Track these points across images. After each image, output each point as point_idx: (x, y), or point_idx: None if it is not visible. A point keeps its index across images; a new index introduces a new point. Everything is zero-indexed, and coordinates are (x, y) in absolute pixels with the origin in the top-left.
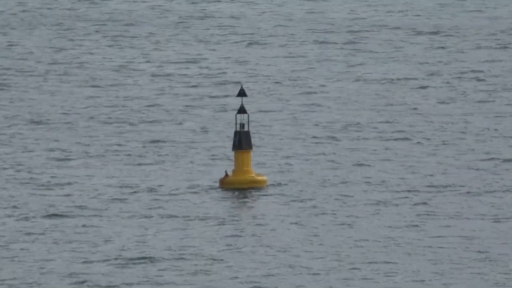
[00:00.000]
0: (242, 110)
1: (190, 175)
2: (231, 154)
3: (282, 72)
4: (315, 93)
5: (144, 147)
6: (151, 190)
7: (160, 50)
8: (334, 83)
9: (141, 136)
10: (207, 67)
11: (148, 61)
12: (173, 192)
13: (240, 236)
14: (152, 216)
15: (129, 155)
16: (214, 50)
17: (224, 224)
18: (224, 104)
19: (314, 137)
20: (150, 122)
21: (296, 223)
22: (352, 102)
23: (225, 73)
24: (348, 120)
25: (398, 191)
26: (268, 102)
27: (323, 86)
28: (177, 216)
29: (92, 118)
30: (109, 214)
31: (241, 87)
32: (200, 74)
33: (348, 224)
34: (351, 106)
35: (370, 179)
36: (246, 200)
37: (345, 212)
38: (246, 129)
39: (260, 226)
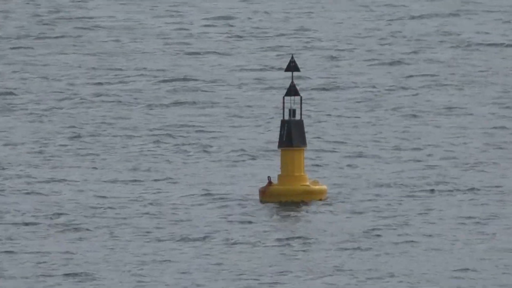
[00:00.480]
0: (292, 91)
1: (217, 182)
2: (277, 152)
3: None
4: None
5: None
6: (157, 203)
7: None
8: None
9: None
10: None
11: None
12: (190, 205)
13: (291, 271)
14: (160, 239)
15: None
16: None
17: (266, 255)
18: (268, 81)
19: (393, 127)
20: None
21: (368, 249)
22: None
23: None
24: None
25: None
26: (330, 78)
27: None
28: (197, 239)
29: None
30: (103, 236)
31: (292, 58)
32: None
33: (438, 250)
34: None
35: (467, 187)
36: (298, 218)
37: (432, 231)
38: (298, 117)
39: (316, 256)
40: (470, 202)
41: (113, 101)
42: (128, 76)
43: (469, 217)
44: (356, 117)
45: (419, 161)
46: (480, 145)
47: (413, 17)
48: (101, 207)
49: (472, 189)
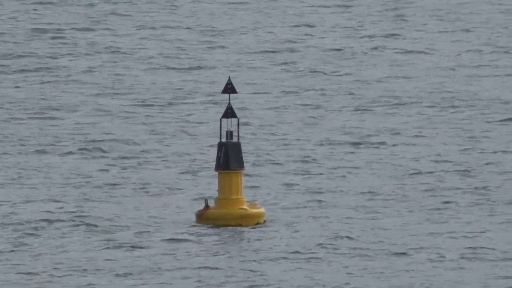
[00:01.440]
0: (229, 113)
1: (152, 205)
2: (213, 175)
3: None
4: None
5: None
6: (89, 225)
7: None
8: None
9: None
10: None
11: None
12: (123, 229)
13: None
14: (93, 270)
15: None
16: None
17: (200, 282)
18: (205, 103)
19: (332, 145)
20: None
21: (308, 277)
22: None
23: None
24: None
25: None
26: (267, 98)
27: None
28: (131, 269)
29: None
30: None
31: (229, 79)
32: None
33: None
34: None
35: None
36: (234, 242)
37: (380, 259)
38: (235, 139)
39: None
40: None
41: None
42: None
43: None
44: (289, 138)
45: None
46: None
47: None
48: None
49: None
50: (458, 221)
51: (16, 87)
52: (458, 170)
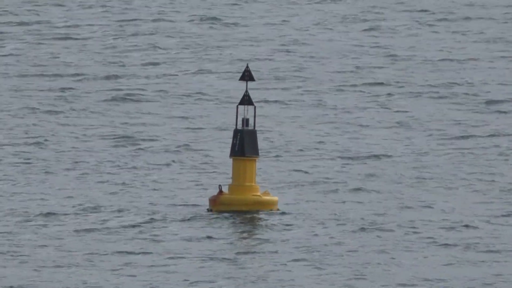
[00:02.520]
0: (246, 101)
1: (166, 191)
2: (228, 162)
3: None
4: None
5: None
6: (105, 210)
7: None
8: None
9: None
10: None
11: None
12: (139, 216)
13: (239, 282)
14: (107, 253)
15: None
16: None
17: (213, 267)
18: (221, 90)
19: (349, 135)
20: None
21: (318, 266)
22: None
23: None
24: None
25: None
26: (284, 88)
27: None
28: (147, 253)
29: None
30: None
31: (247, 67)
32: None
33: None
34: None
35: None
36: (247, 229)
37: (389, 247)
38: (251, 127)
39: (270, 270)
40: None
41: None
42: None
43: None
44: (306, 128)
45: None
46: None
47: None
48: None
49: None
50: None
51: None
52: None
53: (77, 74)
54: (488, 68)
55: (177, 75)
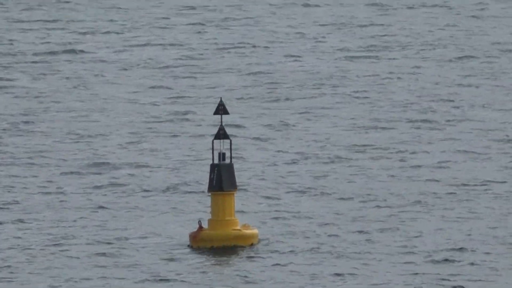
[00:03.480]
0: (222, 135)
1: (145, 227)
2: (206, 197)
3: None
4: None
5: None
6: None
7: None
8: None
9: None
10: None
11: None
12: (119, 250)
13: None
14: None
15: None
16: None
17: None
18: (196, 123)
19: (323, 162)
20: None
21: None
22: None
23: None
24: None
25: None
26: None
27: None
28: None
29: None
30: None
31: (221, 101)
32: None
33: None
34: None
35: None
36: (228, 264)
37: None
38: (228, 161)
39: None
40: None
41: None
42: None
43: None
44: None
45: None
46: None
47: None
48: None
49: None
50: None
51: None
52: None
53: None
54: None
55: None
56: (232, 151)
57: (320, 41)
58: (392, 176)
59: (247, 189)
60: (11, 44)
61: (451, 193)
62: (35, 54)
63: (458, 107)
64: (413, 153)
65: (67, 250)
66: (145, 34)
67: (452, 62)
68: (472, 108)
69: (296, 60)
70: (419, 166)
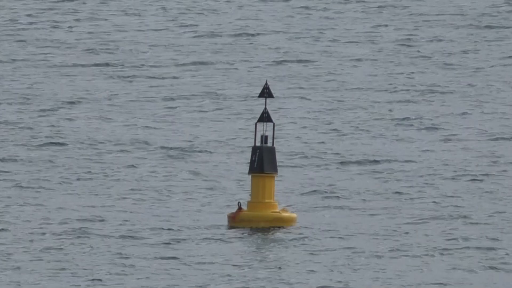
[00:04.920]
0: (265, 117)
1: (184, 208)
2: (247, 179)
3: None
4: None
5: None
6: (118, 227)
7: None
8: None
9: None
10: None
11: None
12: (157, 232)
13: None
14: (126, 265)
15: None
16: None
17: (231, 283)
18: (240, 106)
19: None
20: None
21: (340, 281)
22: None
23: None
24: None
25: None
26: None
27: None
28: (162, 270)
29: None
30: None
31: (266, 83)
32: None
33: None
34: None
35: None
36: (266, 245)
37: (408, 263)
38: (270, 144)
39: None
40: None
41: None
42: None
43: None
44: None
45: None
46: None
47: None
48: None
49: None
50: None
51: None
52: None
53: None
54: None
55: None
56: (275, 134)
57: None
58: None
59: (287, 174)
60: None
61: None
62: None
63: None
64: None
65: (100, 230)
66: None
67: None
68: None
69: None
70: None
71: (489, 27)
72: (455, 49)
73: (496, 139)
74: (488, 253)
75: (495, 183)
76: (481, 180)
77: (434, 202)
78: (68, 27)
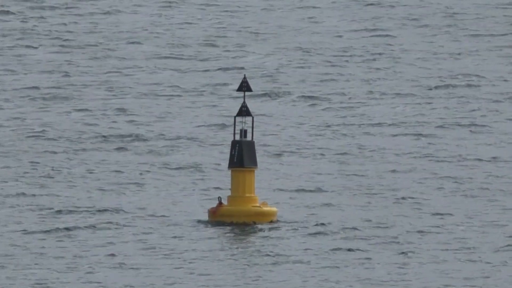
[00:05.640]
0: (244, 111)
1: (164, 203)
2: (227, 173)
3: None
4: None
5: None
6: (105, 221)
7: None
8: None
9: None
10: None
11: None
12: (139, 225)
13: None
14: (104, 263)
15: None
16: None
17: (211, 276)
18: (218, 101)
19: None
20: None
21: (320, 277)
22: None
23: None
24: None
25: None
26: (281, 99)
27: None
28: (140, 264)
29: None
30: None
31: (244, 78)
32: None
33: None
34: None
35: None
36: (247, 240)
37: (390, 259)
38: (249, 138)
39: (268, 279)
40: None
41: None
42: None
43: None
44: (302, 138)
45: (363, 176)
46: None
47: None
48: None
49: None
50: None
51: None
52: None
53: None
54: None
55: None
56: (254, 129)
57: None
58: None
59: (266, 167)
60: None
61: None
62: None
63: None
64: None
65: (84, 221)
66: None
67: None
68: None
69: None
70: None
71: None
72: None
73: None
74: None
75: None
76: None
77: (398, 198)
78: None
